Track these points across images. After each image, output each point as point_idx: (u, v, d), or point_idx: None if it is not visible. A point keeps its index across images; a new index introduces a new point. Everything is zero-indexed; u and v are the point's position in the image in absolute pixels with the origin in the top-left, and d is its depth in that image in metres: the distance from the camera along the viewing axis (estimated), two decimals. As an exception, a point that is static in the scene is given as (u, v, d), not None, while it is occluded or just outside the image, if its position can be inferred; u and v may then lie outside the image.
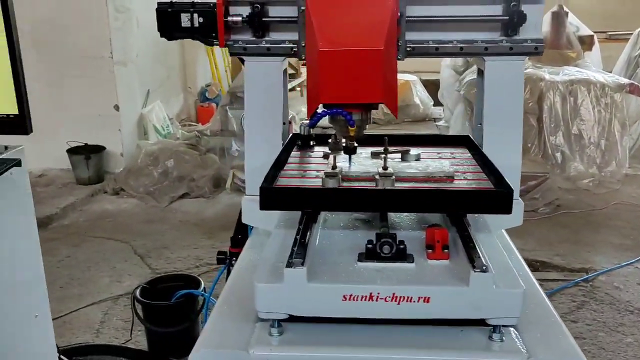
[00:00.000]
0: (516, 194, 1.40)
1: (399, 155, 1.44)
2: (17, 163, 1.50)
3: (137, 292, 2.56)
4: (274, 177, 1.29)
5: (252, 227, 1.62)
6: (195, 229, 4.22)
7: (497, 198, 1.14)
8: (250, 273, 1.32)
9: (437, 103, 7.77)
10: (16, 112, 1.52)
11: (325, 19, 1.16)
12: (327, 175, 1.25)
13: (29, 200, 1.69)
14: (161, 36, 1.48)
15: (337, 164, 1.30)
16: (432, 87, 7.85)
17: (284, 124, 1.57)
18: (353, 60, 1.12)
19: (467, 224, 1.22)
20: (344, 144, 1.33)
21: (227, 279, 1.88)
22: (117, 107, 5.16)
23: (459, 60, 6.89)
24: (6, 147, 1.59)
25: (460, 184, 1.28)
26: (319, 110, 1.23)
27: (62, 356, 1.99)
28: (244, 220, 1.57)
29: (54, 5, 4.80)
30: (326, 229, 1.30)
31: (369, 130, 1.31)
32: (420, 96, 7.87)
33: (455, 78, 6.91)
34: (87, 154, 4.92)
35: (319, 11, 1.17)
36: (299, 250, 1.11)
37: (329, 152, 1.44)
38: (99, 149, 5.05)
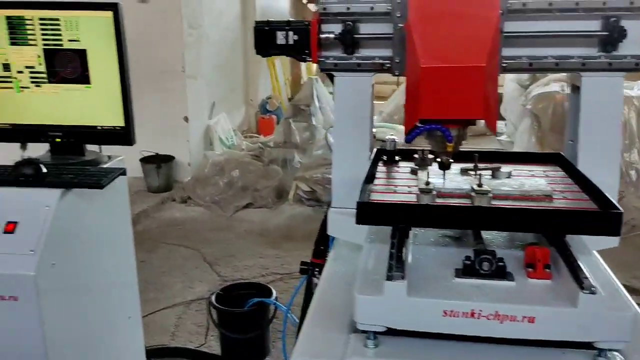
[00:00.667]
0: None
1: (489, 172, 1.42)
2: (123, 172, 1.60)
3: (213, 298, 2.65)
4: (367, 192, 1.30)
5: (334, 238, 1.64)
6: (260, 239, 4.30)
7: (606, 219, 1.11)
8: (339, 284, 1.34)
9: (499, 117, 7.60)
10: (123, 124, 1.62)
11: (427, 35, 1.17)
12: (422, 191, 1.25)
13: (127, 207, 1.79)
14: (257, 53, 1.54)
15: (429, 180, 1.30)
16: (494, 101, 7.67)
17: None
18: (455, 76, 1.13)
19: (567, 244, 1.19)
20: (437, 160, 1.33)
21: (306, 289, 1.91)
22: (186, 119, 5.37)
23: (524, 74, 6.71)
24: (109, 157, 1.70)
25: (560, 203, 1.25)
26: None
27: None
28: (330, 232, 1.59)
29: (139, 24, 5.05)
30: (418, 244, 1.30)
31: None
32: (482, 110, 7.71)
33: (520, 92, 6.73)
34: (158, 163, 5.13)
35: (420, 27, 1.18)
36: (398, 264, 1.12)
37: (416, 167, 1.45)
38: (168, 159, 5.25)
